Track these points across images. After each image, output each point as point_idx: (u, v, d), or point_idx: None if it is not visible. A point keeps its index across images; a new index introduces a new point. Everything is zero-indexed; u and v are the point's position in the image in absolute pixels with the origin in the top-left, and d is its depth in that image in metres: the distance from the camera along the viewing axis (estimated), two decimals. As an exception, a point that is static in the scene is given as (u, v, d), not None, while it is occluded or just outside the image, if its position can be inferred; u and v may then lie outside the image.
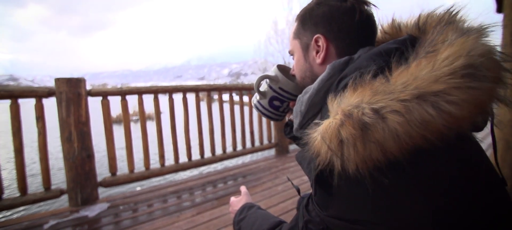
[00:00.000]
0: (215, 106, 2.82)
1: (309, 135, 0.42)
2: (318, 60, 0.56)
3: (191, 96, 2.69)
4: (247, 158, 3.58)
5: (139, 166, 2.46)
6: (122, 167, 2.40)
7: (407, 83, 0.35)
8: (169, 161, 2.56)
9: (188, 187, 2.33)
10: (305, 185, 2.25)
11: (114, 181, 2.20)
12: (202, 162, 2.66)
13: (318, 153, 0.39)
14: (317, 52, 0.56)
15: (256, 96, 0.70)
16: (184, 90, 2.56)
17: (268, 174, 2.57)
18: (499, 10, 1.83)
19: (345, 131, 0.36)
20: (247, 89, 3.13)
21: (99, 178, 2.17)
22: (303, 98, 0.52)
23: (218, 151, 2.83)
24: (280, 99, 0.66)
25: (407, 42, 0.44)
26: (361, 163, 0.35)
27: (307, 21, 0.57)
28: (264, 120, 3.30)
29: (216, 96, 2.96)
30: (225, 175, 2.62)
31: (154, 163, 2.53)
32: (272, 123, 3.34)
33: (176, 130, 2.50)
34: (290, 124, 0.82)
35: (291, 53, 0.63)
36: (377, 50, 0.45)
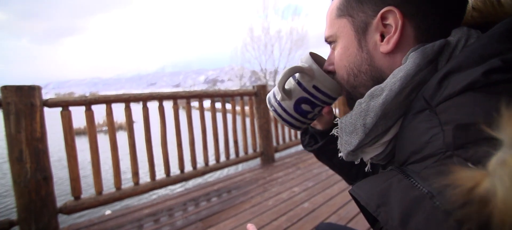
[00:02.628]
0: (195, 115, 2.58)
1: (468, 185, 0.21)
2: (387, 47, 0.37)
3: (168, 105, 2.43)
4: (231, 170, 3.35)
5: (108, 186, 2.15)
6: (88, 188, 2.08)
7: None
8: (144, 178, 2.27)
9: (167, 207, 2.06)
10: (297, 197, 2.09)
11: (78, 206, 1.88)
12: (182, 177, 2.40)
13: None
14: (383, 35, 0.38)
15: (274, 95, 0.50)
16: (161, 98, 2.30)
17: (256, 187, 2.37)
18: None
19: None
20: (229, 96, 2.92)
21: (60, 203, 1.84)
22: (371, 104, 0.34)
23: (200, 163, 2.58)
24: (312, 102, 0.48)
25: None
26: None
27: None
28: (248, 127, 3.10)
29: (196, 104, 2.73)
30: (208, 190, 2.37)
31: (127, 182, 2.23)
32: (256, 130, 3.15)
33: (152, 142, 2.23)
34: (311, 131, 0.64)
35: (331, 39, 0.44)
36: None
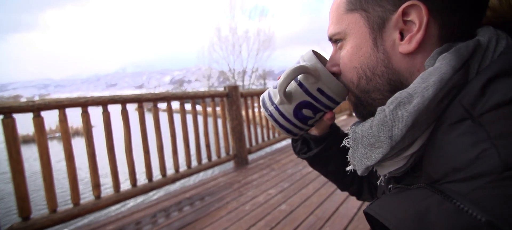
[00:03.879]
0: (163, 119, 2.41)
1: None
2: (408, 47, 0.33)
3: (132, 108, 2.24)
4: (204, 175, 3.22)
5: (66, 200, 1.91)
6: (41, 205, 1.83)
7: None
8: (107, 190, 2.06)
9: (134, 221, 1.88)
10: (273, 200, 2.05)
11: (27, 227, 1.62)
12: (151, 187, 2.22)
13: None
14: (402, 33, 0.33)
15: (270, 97, 0.44)
16: (124, 101, 2.10)
17: (231, 192, 2.29)
18: None
19: None
20: (199, 98, 2.80)
21: (4, 226, 1.58)
22: (399, 113, 0.30)
23: (170, 170, 2.42)
24: (315, 107, 0.42)
25: None
26: None
27: None
28: (220, 129, 3.00)
29: (163, 106, 2.56)
30: (179, 199, 2.23)
31: (87, 195, 2.00)
32: (228, 132, 3.06)
33: (115, 150, 2.03)
34: (304, 137, 0.58)
35: (338, 37, 0.39)
36: None
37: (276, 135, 3.90)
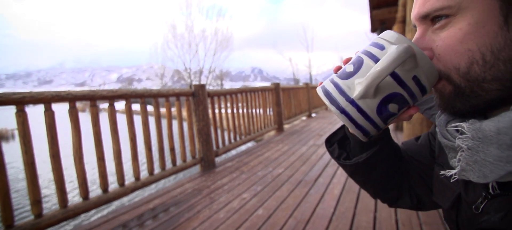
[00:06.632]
0: (121, 119, 2.11)
1: None
2: None
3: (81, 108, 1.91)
4: (168, 181, 2.94)
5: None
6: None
7: None
8: (52, 206, 1.70)
9: (88, 240, 1.59)
10: (249, 205, 1.94)
11: None
12: (106, 198, 1.91)
13: None
14: None
15: (341, 90, 0.33)
16: (73, 98, 1.77)
17: (201, 199, 2.11)
18: None
19: None
20: (163, 96, 2.54)
21: None
22: None
23: (129, 178, 2.13)
24: (404, 100, 0.33)
25: None
26: None
27: None
28: (185, 131, 2.77)
29: (120, 106, 2.25)
30: (141, 210, 1.97)
31: (23, 214, 1.63)
32: (195, 133, 2.85)
33: (61, 157, 1.70)
34: (345, 137, 0.50)
35: (444, 13, 0.31)
36: None
37: (243, 136, 3.79)
